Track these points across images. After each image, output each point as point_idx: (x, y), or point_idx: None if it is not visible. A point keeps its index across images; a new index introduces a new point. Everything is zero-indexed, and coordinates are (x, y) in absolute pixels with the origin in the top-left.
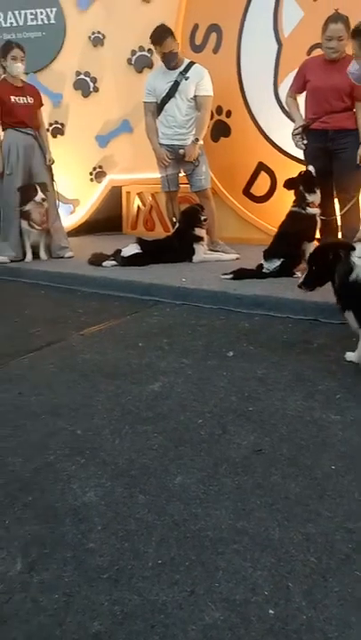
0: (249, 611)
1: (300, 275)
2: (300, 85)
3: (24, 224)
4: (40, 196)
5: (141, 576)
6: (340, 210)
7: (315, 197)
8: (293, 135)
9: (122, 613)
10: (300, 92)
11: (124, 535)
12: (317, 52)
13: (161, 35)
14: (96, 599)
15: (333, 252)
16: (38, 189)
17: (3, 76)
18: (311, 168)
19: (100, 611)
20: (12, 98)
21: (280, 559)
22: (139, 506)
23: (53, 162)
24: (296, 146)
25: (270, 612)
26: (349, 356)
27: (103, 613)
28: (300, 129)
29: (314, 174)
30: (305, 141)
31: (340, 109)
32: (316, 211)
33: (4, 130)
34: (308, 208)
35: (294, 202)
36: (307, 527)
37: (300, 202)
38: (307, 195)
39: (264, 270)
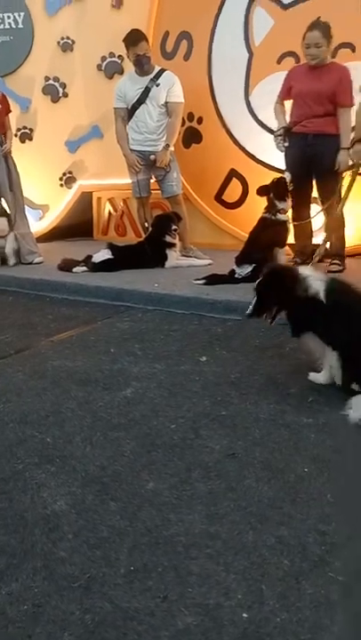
0: (222, 615)
1: None
2: (285, 92)
3: None
4: None
5: (113, 583)
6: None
7: (285, 205)
8: (275, 137)
9: (93, 622)
10: (286, 99)
11: (96, 543)
12: (288, 60)
13: (136, 37)
14: (66, 609)
15: (282, 274)
16: None
17: None
18: (287, 175)
19: (71, 620)
20: None
21: (253, 563)
22: (110, 513)
23: (9, 151)
24: (277, 147)
25: (244, 615)
26: (314, 377)
27: (74, 623)
28: (282, 130)
29: (289, 181)
30: (286, 144)
31: (320, 114)
32: (286, 217)
33: None
34: (278, 214)
35: (265, 208)
36: (280, 530)
37: (271, 208)
38: (277, 202)
39: (236, 276)
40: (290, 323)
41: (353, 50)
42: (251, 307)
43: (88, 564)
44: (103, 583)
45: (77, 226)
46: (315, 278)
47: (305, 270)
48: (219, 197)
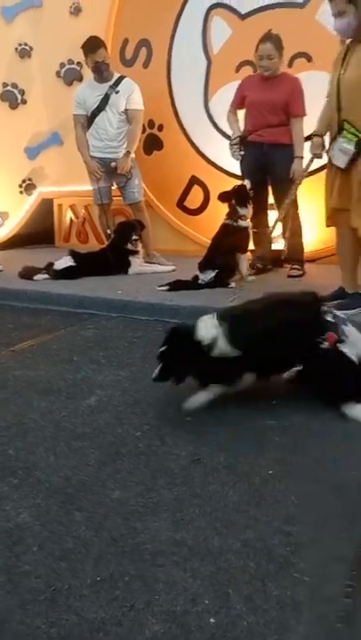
0: (190, 621)
1: (234, 285)
2: (238, 101)
3: None
4: None
5: (79, 595)
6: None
7: (247, 211)
8: (231, 145)
9: (59, 635)
10: (240, 108)
11: (61, 554)
12: (246, 68)
13: (94, 44)
14: (32, 623)
15: (181, 342)
16: None
17: None
18: (247, 182)
19: (36, 634)
20: None
21: (220, 567)
22: (75, 523)
23: None
24: (233, 156)
25: (211, 620)
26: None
27: (39, 637)
28: (237, 139)
29: (249, 188)
30: (242, 152)
31: (275, 124)
32: (247, 224)
33: None
34: (240, 221)
35: (227, 215)
36: (245, 533)
37: (233, 215)
38: (239, 208)
39: (199, 281)
40: (214, 380)
41: (308, 59)
42: (156, 372)
43: (53, 576)
44: (69, 595)
45: (38, 233)
46: (209, 326)
47: (201, 324)
48: (181, 204)
